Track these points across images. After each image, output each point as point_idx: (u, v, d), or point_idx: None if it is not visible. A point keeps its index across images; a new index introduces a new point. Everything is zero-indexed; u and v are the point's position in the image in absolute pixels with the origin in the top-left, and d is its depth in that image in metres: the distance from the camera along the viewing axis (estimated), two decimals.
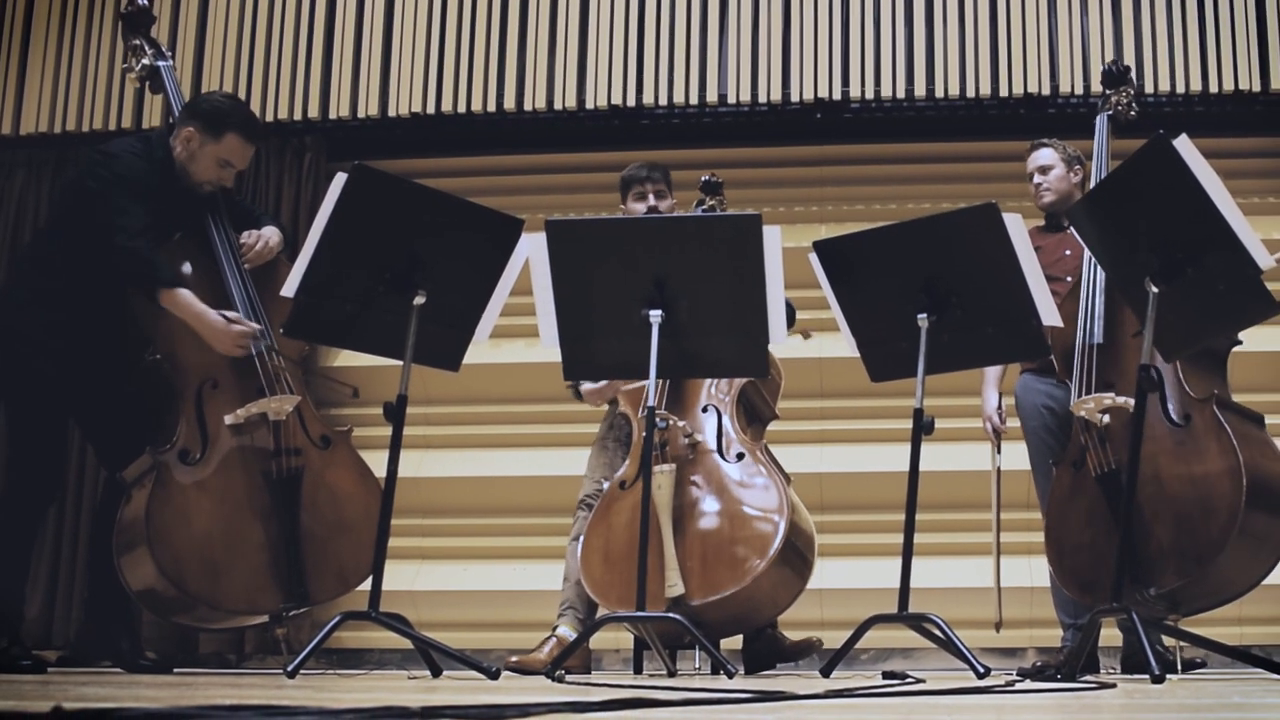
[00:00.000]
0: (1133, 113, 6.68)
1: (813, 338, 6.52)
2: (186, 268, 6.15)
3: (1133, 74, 6.79)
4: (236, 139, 6.18)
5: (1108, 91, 6.73)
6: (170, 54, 6.87)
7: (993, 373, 6.72)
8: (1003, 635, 7.15)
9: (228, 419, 6.05)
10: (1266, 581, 5.81)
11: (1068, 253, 6.41)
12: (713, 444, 6.21)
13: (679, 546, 5.88)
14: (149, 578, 5.94)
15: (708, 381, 6.37)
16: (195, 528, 5.94)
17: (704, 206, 6.87)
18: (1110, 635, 6.56)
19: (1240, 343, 6.08)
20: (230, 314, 5.99)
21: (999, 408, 6.69)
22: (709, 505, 6.07)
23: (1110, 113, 6.66)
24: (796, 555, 6.00)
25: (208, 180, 6.19)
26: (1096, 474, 5.95)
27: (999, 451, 6.71)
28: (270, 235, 6.38)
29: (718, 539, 5.98)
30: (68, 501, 8.55)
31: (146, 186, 6.04)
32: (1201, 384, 5.84)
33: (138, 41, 6.71)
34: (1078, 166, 6.66)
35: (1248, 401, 6.02)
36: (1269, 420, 5.93)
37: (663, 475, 5.97)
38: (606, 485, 6.31)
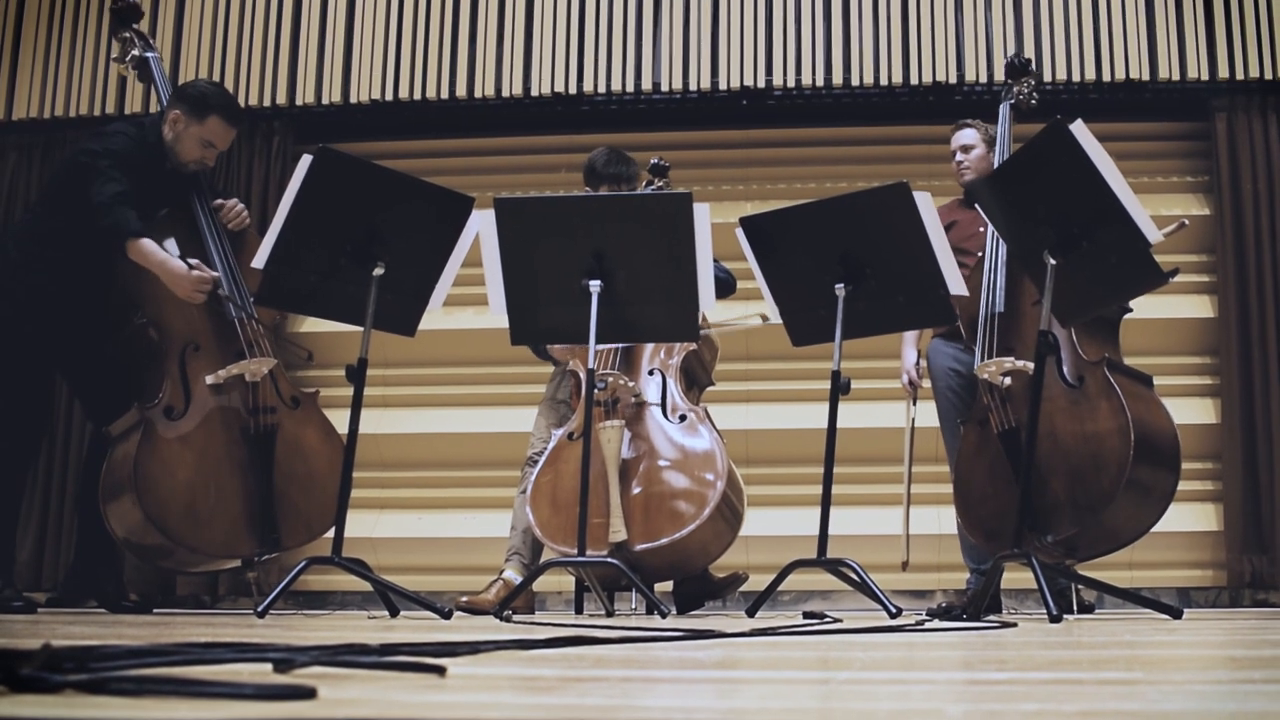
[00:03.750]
0: (1033, 101, 6.68)
1: (769, 321, 6.50)
2: (171, 244, 6.11)
3: (1033, 66, 6.82)
4: (218, 121, 6.19)
5: (1010, 82, 6.73)
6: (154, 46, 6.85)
7: (910, 334, 6.70)
8: (913, 578, 7.18)
9: (208, 379, 6.04)
10: (1154, 529, 5.86)
11: (981, 229, 6.35)
12: (657, 405, 6.23)
13: (624, 496, 5.91)
14: (135, 523, 5.93)
15: (653, 347, 6.38)
16: (179, 478, 5.95)
17: (654, 187, 6.89)
18: (1013, 578, 6.60)
19: (1131, 310, 6.12)
20: (192, 260, 5.98)
21: (916, 364, 6.69)
22: (653, 460, 6.09)
23: (1012, 101, 6.67)
24: (731, 511, 6.04)
25: (192, 160, 6.20)
26: (998, 431, 5.99)
27: (914, 404, 6.71)
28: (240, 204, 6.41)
29: (660, 491, 6.01)
30: (56, 454, 8.55)
31: (132, 161, 6.04)
32: (1094, 348, 5.88)
33: (128, 35, 6.71)
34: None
35: (1138, 364, 6.06)
36: (1157, 381, 5.95)
37: (612, 430, 5.98)
38: (553, 443, 6.30)
